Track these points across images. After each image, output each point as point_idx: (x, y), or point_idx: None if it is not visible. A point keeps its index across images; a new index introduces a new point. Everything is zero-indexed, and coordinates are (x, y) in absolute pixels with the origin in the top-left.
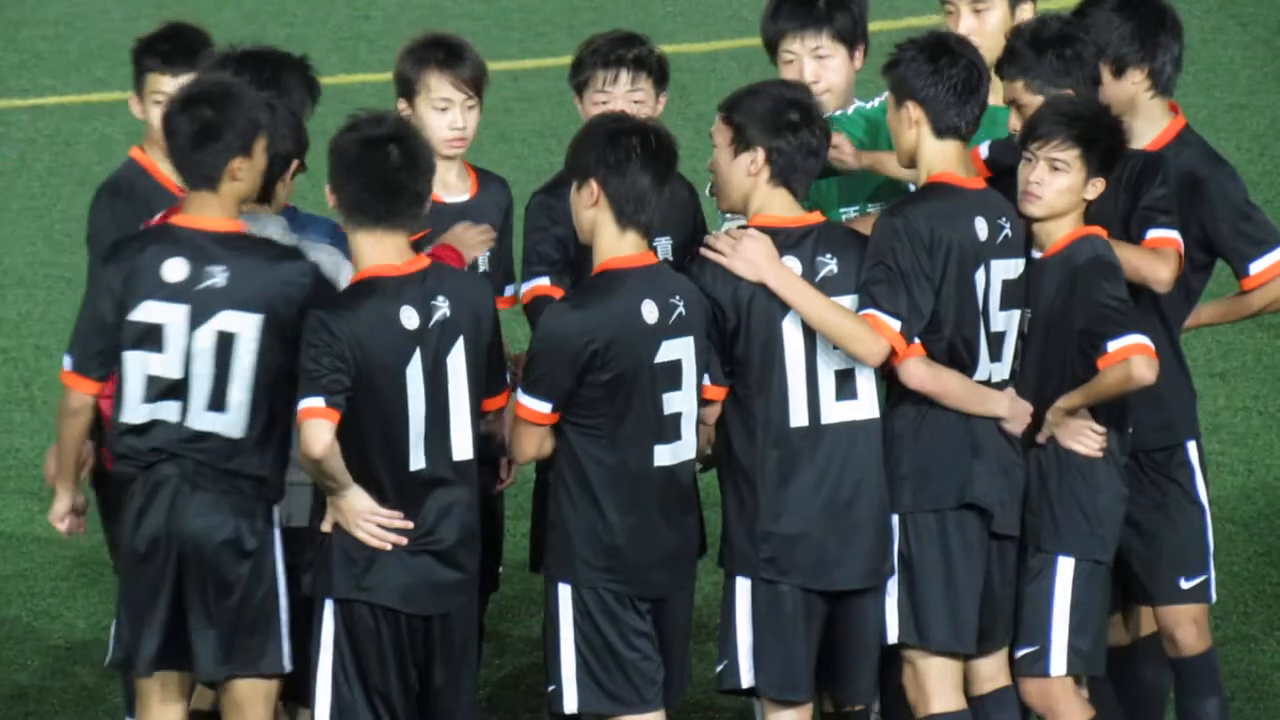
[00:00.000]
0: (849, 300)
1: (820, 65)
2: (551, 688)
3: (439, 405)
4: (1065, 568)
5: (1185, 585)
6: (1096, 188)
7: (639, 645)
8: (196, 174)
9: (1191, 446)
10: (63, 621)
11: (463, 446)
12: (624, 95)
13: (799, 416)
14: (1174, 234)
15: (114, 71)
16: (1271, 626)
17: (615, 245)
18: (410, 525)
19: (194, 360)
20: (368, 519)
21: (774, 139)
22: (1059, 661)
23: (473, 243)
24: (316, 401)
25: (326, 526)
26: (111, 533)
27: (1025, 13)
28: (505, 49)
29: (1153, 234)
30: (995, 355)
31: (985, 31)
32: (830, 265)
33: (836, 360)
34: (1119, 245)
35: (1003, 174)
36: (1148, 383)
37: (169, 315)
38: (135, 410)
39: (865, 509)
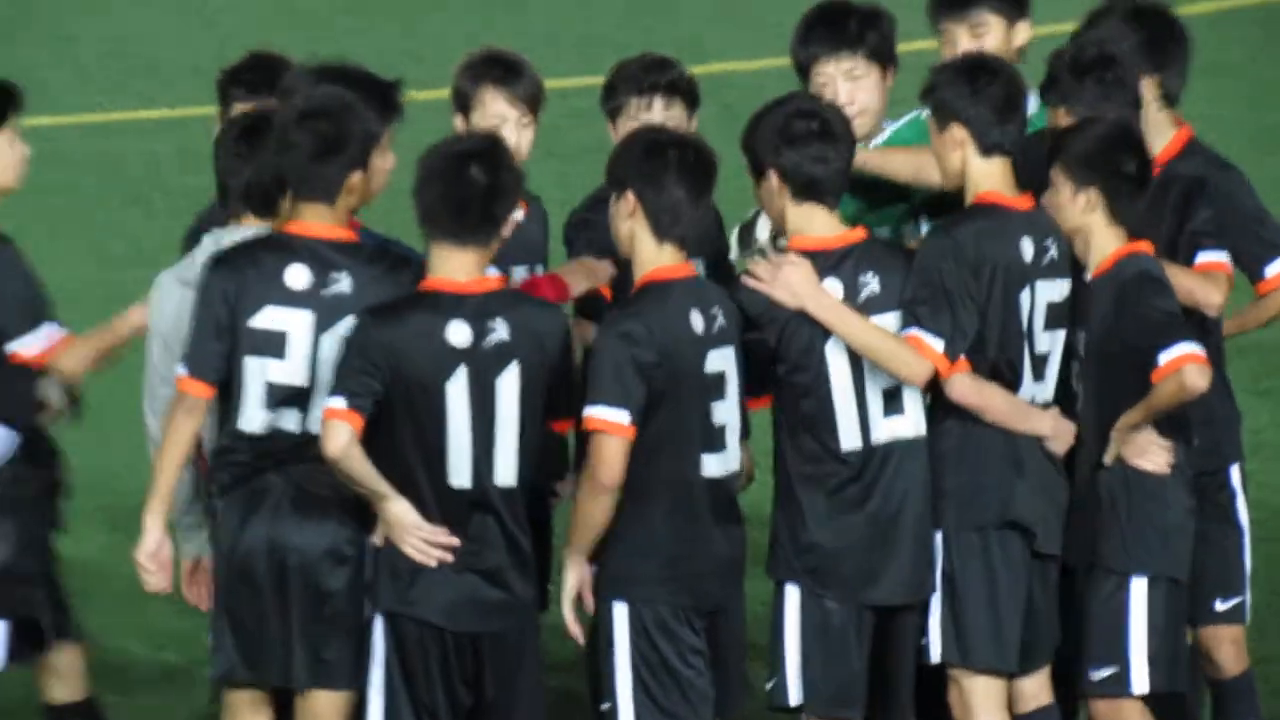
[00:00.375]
0: (892, 317)
1: (855, 86)
2: (606, 706)
3: (486, 426)
4: (1139, 588)
5: (1221, 607)
6: (1090, 200)
7: (694, 662)
8: (315, 186)
9: (1234, 470)
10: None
11: (506, 472)
12: (658, 120)
13: (850, 439)
14: (1223, 256)
15: (164, 90)
16: None
17: (655, 257)
18: (456, 542)
19: (319, 367)
20: (413, 533)
21: (779, 156)
22: (1140, 681)
23: (580, 280)
24: (338, 402)
25: (378, 540)
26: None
27: (1022, 32)
28: (555, 67)
29: (1202, 257)
30: (1039, 375)
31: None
32: (872, 285)
33: (883, 379)
34: (1170, 268)
35: None
36: (1202, 390)
37: (292, 322)
38: (253, 417)
39: (909, 525)
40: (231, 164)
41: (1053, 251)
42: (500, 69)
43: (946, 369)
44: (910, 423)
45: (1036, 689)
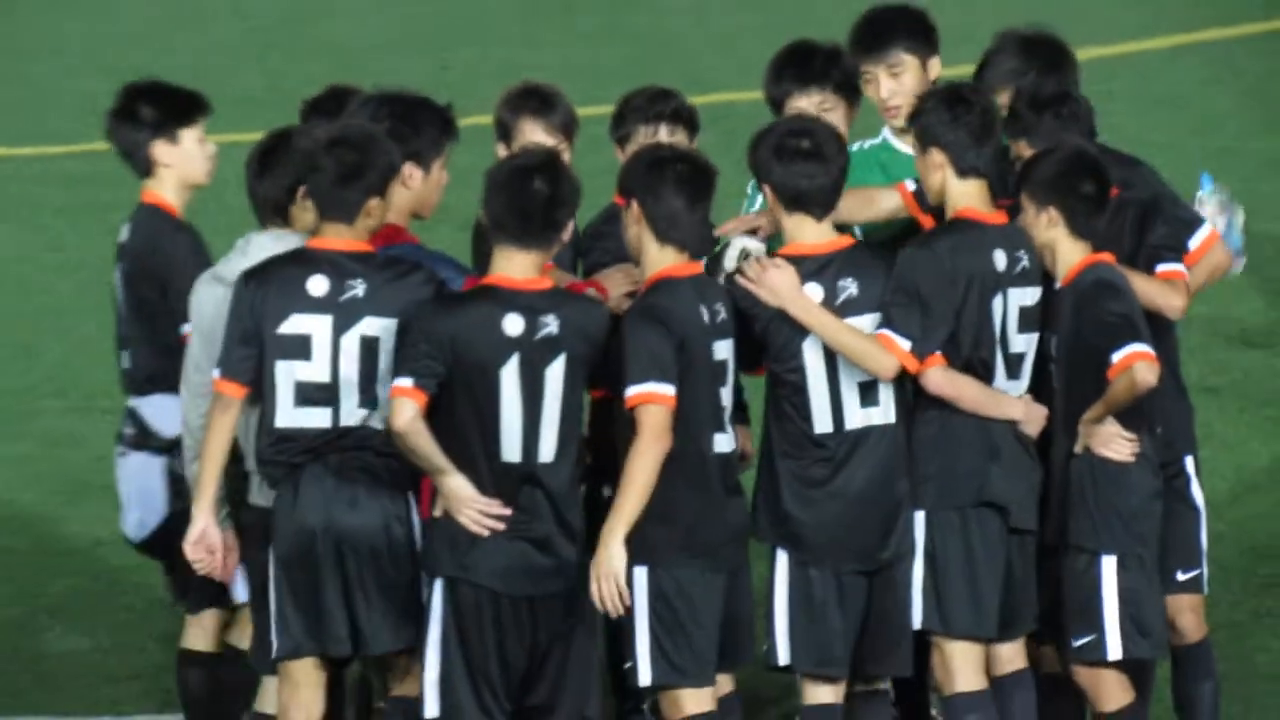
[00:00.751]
0: (869, 319)
1: (825, 119)
2: (629, 665)
3: (534, 408)
4: (1109, 564)
5: (1182, 578)
6: (1051, 218)
7: (705, 623)
8: (336, 208)
9: (1189, 460)
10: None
11: (550, 449)
12: None
13: (823, 424)
14: (1180, 267)
15: (218, 117)
16: (1257, 615)
17: (659, 258)
18: (508, 513)
19: (341, 365)
20: (469, 505)
21: (770, 173)
22: (1114, 648)
23: (619, 283)
24: (405, 381)
25: (437, 512)
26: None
27: (935, 67)
28: (571, 96)
29: (1161, 269)
30: (1013, 374)
31: (903, 91)
32: (850, 289)
33: (858, 374)
34: (1133, 275)
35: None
36: (1151, 385)
37: (314, 325)
38: (286, 415)
39: (872, 499)
40: (252, 182)
41: (1024, 262)
42: (537, 100)
43: (914, 365)
44: (882, 412)
45: (1013, 654)
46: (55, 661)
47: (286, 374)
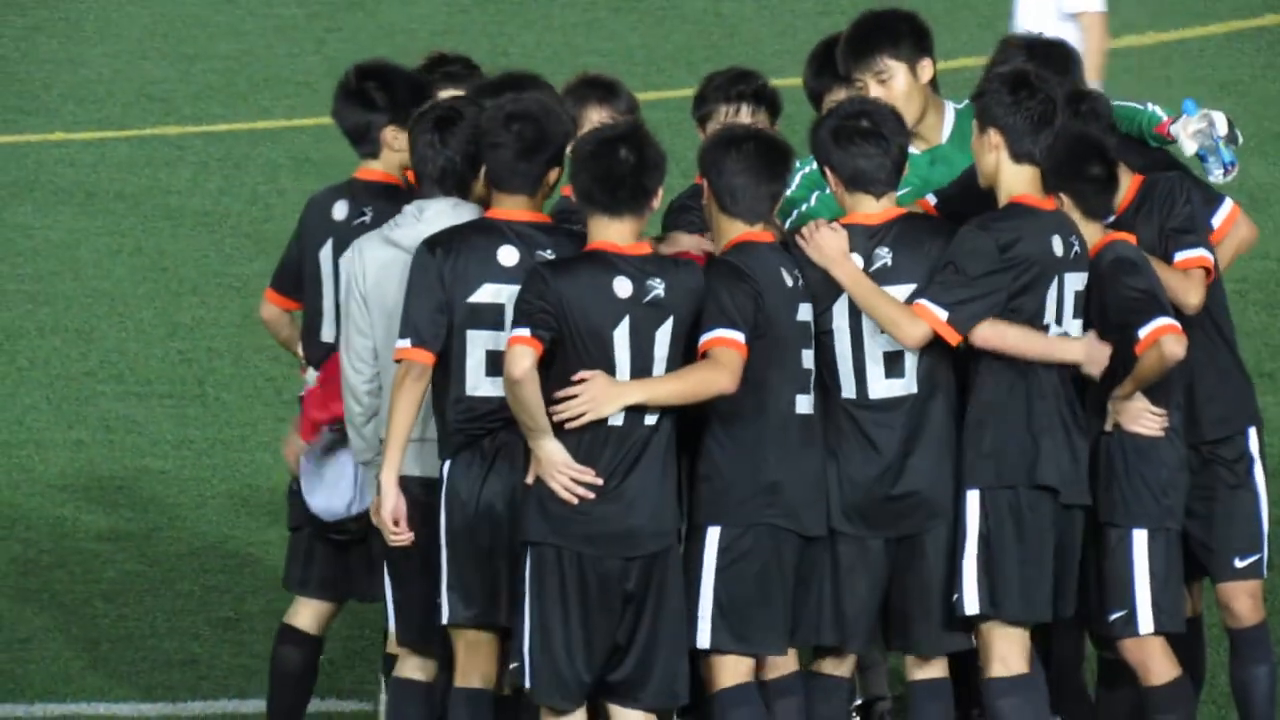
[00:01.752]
0: (902, 289)
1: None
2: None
3: (643, 370)
4: (1140, 539)
5: (1240, 564)
6: (1063, 203)
7: (774, 589)
8: (519, 181)
9: (1252, 434)
10: (232, 595)
11: (655, 411)
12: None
13: (848, 390)
14: (1199, 252)
15: (278, 102)
16: None
17: (729, 230)
18: (600, 482)
19: None
20: (562, 471)
21: (830, 155)
22: (1146, 622)
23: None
24: (523, 331)
25: (530, 479)
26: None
27: (926, 69)
28: (629, 82)
29: (1180, 256)
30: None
31: (893, 97)
32: (885, 258)
33: (884, 343)
34: (1158, 266)
35: (950, 217)
36: (1180, 358)
37: (507, 295)
38: (478, 383)
39: (895, 468)
40: (425, 152)
41: (1077, 246)
42: (601, 89)
43: (952, 335)
44: (905, 384)
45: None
46: (110, 646)
47: (479, 342)
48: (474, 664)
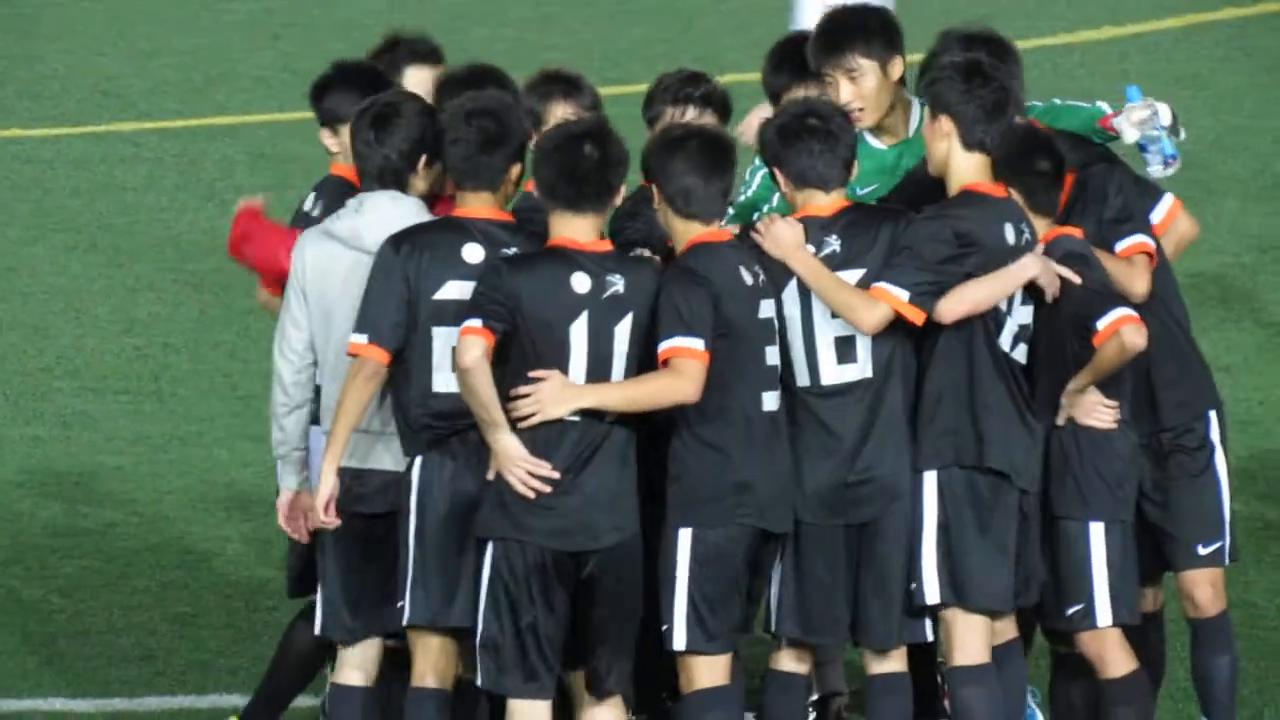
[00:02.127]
0: (852, 274)
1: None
2: (665, 627)
3: (600, 365)
4: (1097, 531)
5: (1203, 551)
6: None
7: (741, 589)
8: (479, 177)
9: (1213, 418)
10: (189, 591)
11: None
12: None
13: (802, 377)
14: (1139, 238)
15: (234, 97)
16: (1272, 594)
17: (685, 232)
18: (557, 475)
19: None
20: (518, 464)
21: (778, 155)
22: (1104, 614)
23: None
24: (475, 322)
25: (490, 475)
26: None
27: (896, 67)
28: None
29: (1120, 246)
30: (1017, 343)
31: (863, 95)
32: (834, 245)
33: (836, 328)
34: (1103, 257)
35: None
36: (1140, 348)
37: (470, 292)
38: (443, 380)
39: (847, 456)
40: (363, 149)
41: (1027, 234)
42: (564, 84)
43: (914, 314)
44: (859, 369)
45: (1004, 625)
46: (67, 643)
47: (442, 339)
48: (431, 663)
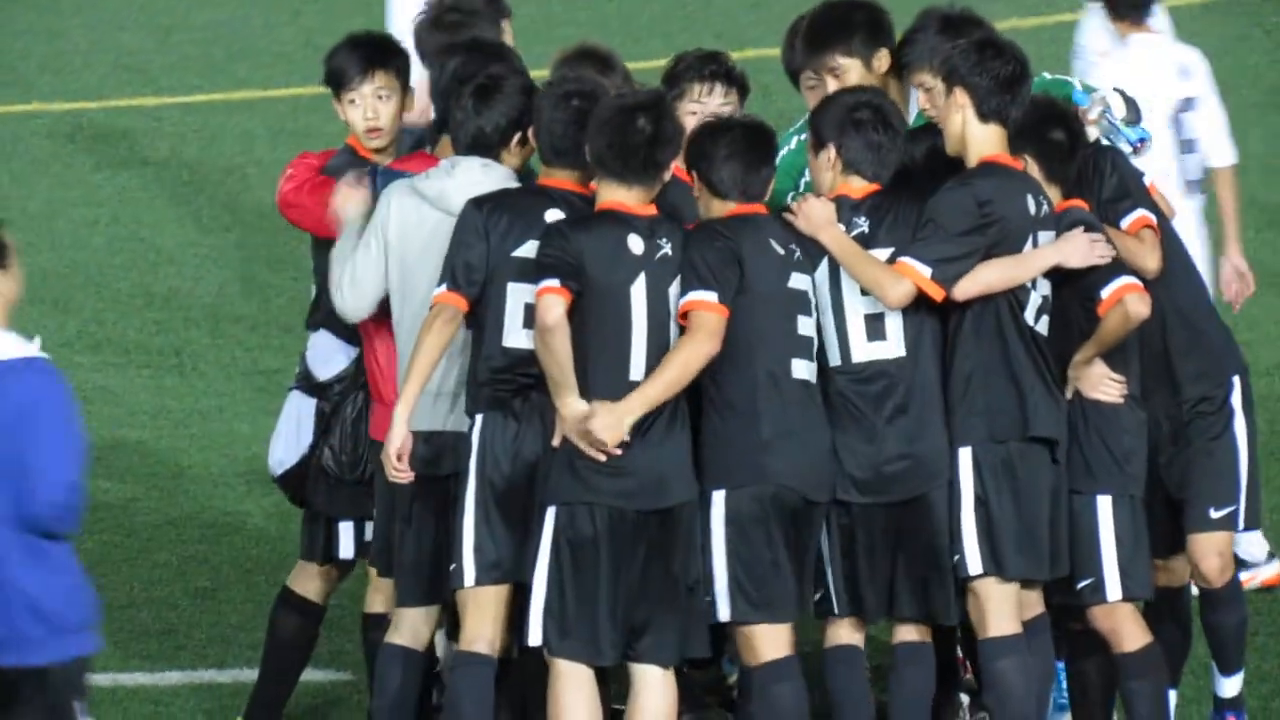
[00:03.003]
0: (880, 253)
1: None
2: (708, 599)
3: (659, 328)
4: (1105, 505)
5: (1215, 515)
6: (1028, 165)
7: (782, 553)
8: (570, 154)
9: (1235, 382)
10: (209, 565)
11: None
12: (716, 105)
13: (834, 356)
14: (1140, 213)
15: (254, 72)
16: None
17: (721, 210)
18: (627, 438)
19: None
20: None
21: (840, 137)
22: (1114, 589)
23: None
24: (552, 282)
25: (556, 442)
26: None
27: (882, 61)
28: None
29: (1123, 224)
30: (1040, 314)
31: None
32: (862, 225)
33: (865, 306)
34: (1111, 233)
35: None
36: (1144, 317)
37: None
38: (515, 334)
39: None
40: (459, 117)
41: (1045, 206)
42: (598, 60)
43: (936, 290)
44: (889, 347)
45: (1034, 599)
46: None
47: (518, 295)
48: (481, 628)
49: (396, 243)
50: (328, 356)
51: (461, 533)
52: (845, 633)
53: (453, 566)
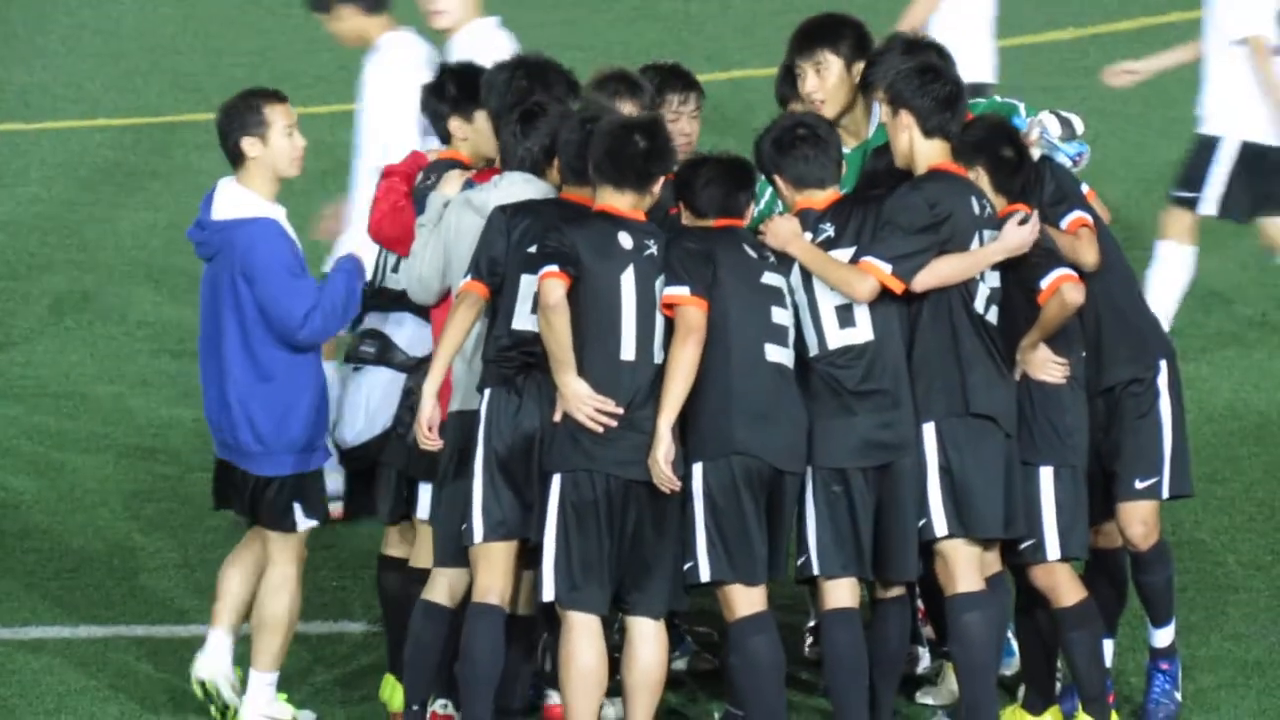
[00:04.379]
0: (844, 252)
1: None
2: (689, 565)
3: (646, 312)
4: (1046, 475)
5: (1139, 485)
6: (977, 175)
7: (753, 520)
8: (639, 182)
9: (1163, 365)
10: None
11: (659, 351)
12: (690, 110)
13: (812, 346)
14: (1077, 213)
15: (296, 91)
16: (1216, 532)
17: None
18: (620, 411)
19: None
20: (587, 403)
21: (777, 163)
22: (1053, 549)
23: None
24: (552, 267)
25: (557, 417)
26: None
27: (859, 72)
28: None
29: (1064, 223)
30: (989, 305)
31: (825, 88)
32: (828, 230)
33: (835, 299)
34: (1052, 233)
35: None
36: (1079, 304)
37: None
38: (525, 319)
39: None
40: (509, 141)
41: (989, 208)
42: (627, 84)
43: (897, 284)
44: (860, 332)
45: (992, 558)
46: (148, 576)
47: (529, 285)
48: (492, 581)
49: (452, 245)
50: (417, 338)
51: (471, 496)
52: (842, 595)
53: (464, 526)
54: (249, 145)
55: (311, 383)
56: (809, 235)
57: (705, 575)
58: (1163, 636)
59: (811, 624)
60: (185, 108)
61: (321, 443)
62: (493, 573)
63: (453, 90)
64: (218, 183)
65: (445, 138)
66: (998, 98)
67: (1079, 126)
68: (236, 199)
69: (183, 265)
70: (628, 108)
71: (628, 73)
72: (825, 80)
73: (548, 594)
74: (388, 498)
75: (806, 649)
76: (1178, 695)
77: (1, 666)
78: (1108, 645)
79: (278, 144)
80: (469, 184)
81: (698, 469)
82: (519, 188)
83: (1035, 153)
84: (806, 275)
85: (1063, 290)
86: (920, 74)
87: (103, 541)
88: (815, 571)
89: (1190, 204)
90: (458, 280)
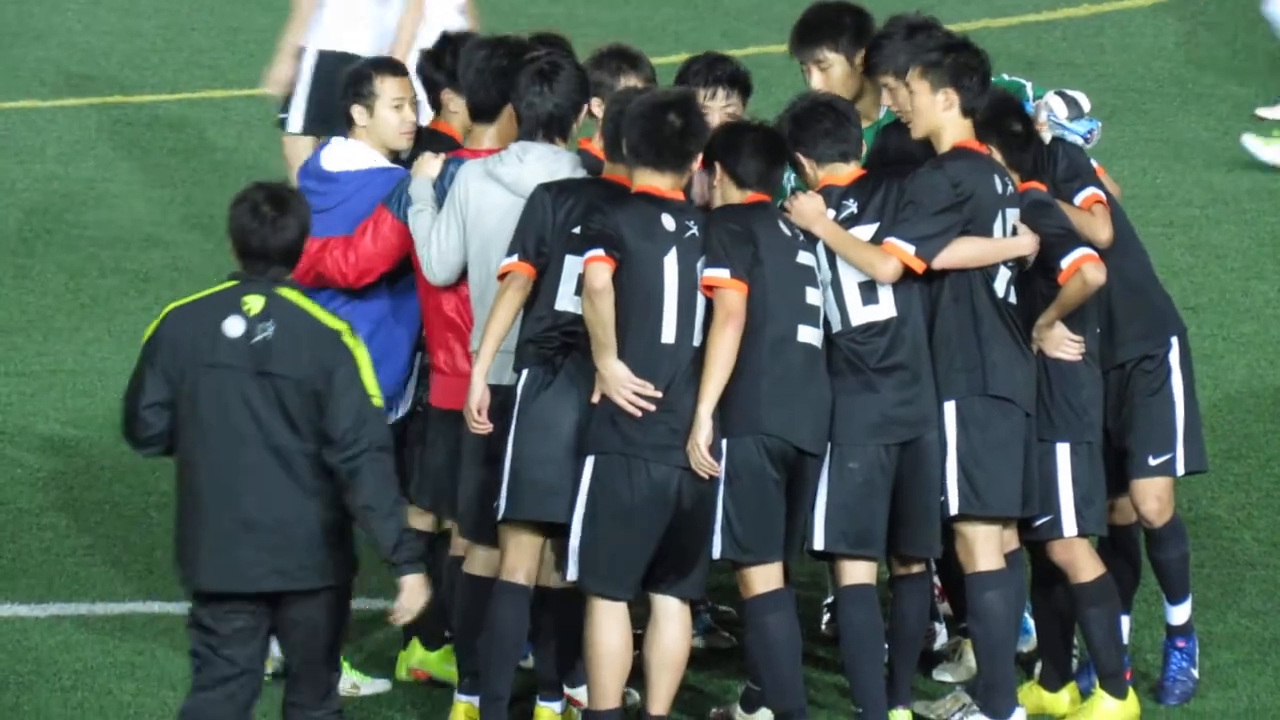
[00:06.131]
0: (866, 229)
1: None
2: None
3: (687, 294)
4: (1063, 452)
5: (1153, 462)
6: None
7: (772, 499)
8: (677, 162)
9: (1174, 342)
10: None
11: (698, 333)
12: (719, 106)
13: (835, 323)
14: (1090, 190)
15: None
16: (1232, 509)
17: (735, 198)
18: (659, 394)
19: None
20: (625, 385)
21: (799, 141)
22: (1070, 525)
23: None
24: (598, 251)
25: (595, 398)
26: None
27: (863, 59)
28: None
29: (1077, 200)
30: (1012, 285)
31: (831, 85)
32: (851, 207)
33: (857, 276)
34: (1067, 209)
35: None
36: (1100, 283)
37: None
38: (567, 300)
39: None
40: (533, 98)
41: (1011, 186)
42: (627, 60)
43: (919, 264)
44: (883, 309)
45: (1010, 536)
46: (163, 552)
47: (574, 266)
48: (519, 560)
49: (474, 221)
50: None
51: (504, 475)
52: (858, 572)
53: (495, 504)
54: (357, 113)
55: (407, 335)
56: (831, 212)
57: (715, 552)
58: (1179, 613)
59: (829, 600)
60: (202, 85)
61: (397, 403)
62: (521, 552)
63: (450, 61)
64: (331, 139)
65: (436, 106)
66: (1005, 75)
67: (1085, 104)
68: (350, 153)
69: (200, 242)
70: (631, 81)
71: (625, 47)
72: (830, 76)
73: (571, 574)
74: (414, 480)
75: (824, 625)
76: (1195, 672)
77: (18, 643)
78: (1124, 622)
79: (384, 115)
80: (456, 161)
81: (722, 445)
82: (550, 161)
83: (1045, 136)
84: (830, 252)
85: (1084, 270)
86: (961, 53)
87: (119, 518)
88: (819, 546)
89: None
90: (483, 255)
